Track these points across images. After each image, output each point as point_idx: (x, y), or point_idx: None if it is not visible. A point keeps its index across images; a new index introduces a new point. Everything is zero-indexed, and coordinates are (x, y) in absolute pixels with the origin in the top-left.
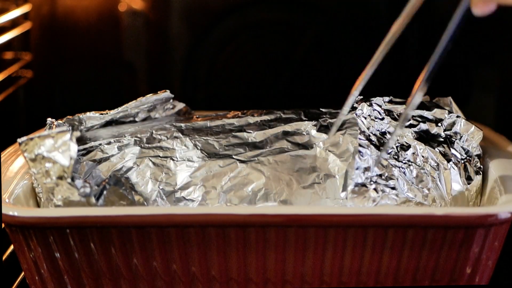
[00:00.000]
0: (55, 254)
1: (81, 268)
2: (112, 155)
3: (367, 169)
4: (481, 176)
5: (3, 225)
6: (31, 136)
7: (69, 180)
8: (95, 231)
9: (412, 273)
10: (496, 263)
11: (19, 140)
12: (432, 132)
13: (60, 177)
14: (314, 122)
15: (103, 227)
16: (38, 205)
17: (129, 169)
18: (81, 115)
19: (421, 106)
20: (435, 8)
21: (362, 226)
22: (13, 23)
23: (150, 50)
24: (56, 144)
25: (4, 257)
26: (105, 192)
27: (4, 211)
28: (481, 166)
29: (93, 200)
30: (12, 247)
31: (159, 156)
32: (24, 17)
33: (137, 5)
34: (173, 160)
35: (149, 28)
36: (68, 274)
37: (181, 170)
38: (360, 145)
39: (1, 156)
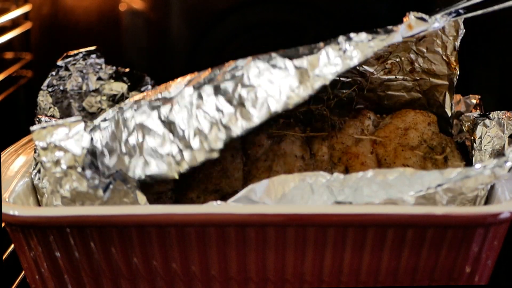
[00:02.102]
0: (55, 253)
1: (81, 267)
2: None
3: None
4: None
5: (3, 224)
6: (44, 124)
7: (79, 169)
8: (95, 230)
9: (412, 272)
10: (495, 262)
11: (31, 128)
12: None
13: (71, 167)
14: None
15: (103, 226)
16: (38, 204)
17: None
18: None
19: None
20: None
21: (362, 225)
22: (14, 23)
23: (150, 50)
24: (69, 134)
25: (4, 256)
26: (111, 186)
27: (4, 210)
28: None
29: (100, 192)
30: (12, 246)
31: None
32: (25, 17)
33: (137, 5)
34: None
35: (149, 28)
36: (68, 273)
37: None
38: None
39: (2, 155)
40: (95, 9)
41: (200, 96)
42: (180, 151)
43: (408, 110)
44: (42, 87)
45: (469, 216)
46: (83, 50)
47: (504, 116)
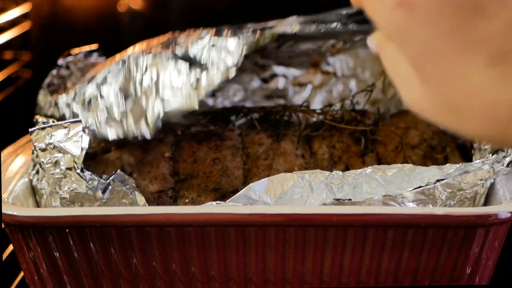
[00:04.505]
0: (55, 254)
1: (80, 268)
2: None
3: None
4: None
5: (2, 225)
6: (42, 125)
7: (78, 171)
8: (94, 231)
9: (412, 273)
10: (496, 263)
11: (30, 129)
12: None
13: (70, 168)
14: None
15: (102, 226)
16: (37, 204)
17: None
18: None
19: None
20: None
21: (362, 226)
22: (13, 23)
23: None
24: (68, 134)
25: (3, 257)
26: (110, 187)
27: (3, 210)
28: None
29: (99, 193)
30: (11, 246)
31: None
32: (24, 16)
33: (137, 5)
34: None
35: (149, 28)
36: (68, 273)
37: None
38: None
39: (1, 155)
40: (94, 9)
41: (219, 33)
42: (197, 80)
43: (408, 110)
44: (42, 86)
45: (470, 217)
46: (84, 48)
47: None
